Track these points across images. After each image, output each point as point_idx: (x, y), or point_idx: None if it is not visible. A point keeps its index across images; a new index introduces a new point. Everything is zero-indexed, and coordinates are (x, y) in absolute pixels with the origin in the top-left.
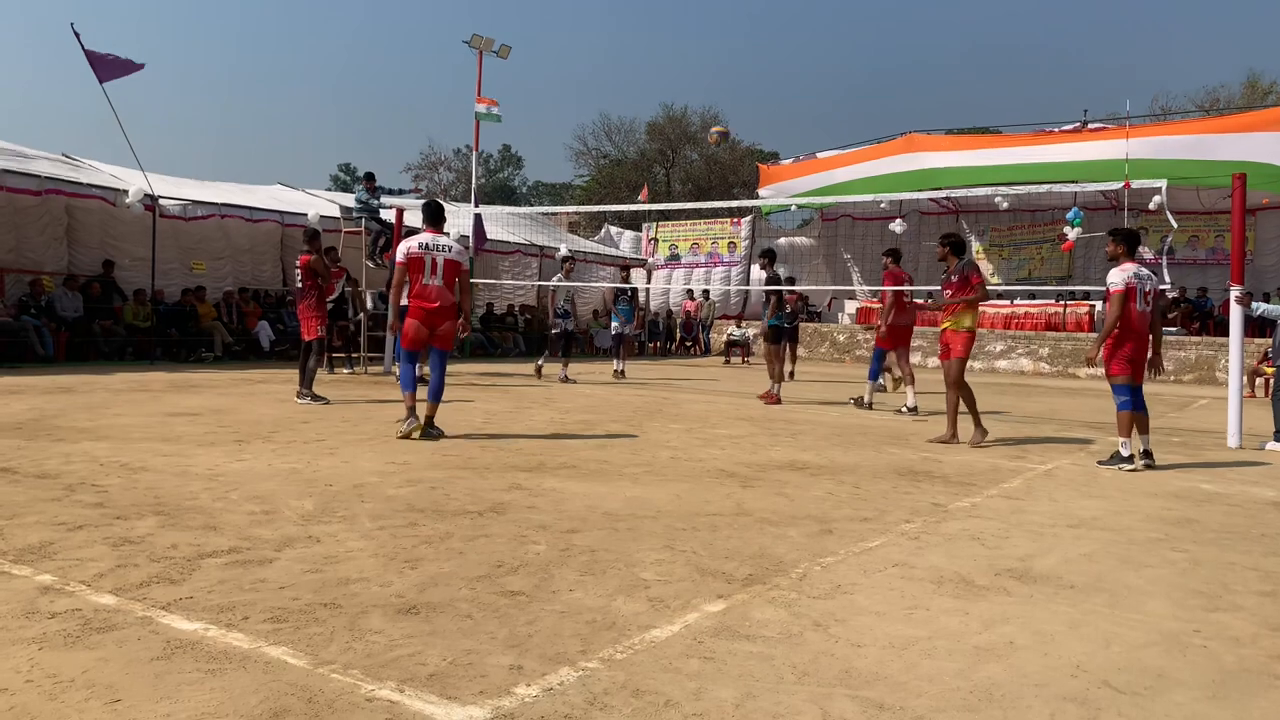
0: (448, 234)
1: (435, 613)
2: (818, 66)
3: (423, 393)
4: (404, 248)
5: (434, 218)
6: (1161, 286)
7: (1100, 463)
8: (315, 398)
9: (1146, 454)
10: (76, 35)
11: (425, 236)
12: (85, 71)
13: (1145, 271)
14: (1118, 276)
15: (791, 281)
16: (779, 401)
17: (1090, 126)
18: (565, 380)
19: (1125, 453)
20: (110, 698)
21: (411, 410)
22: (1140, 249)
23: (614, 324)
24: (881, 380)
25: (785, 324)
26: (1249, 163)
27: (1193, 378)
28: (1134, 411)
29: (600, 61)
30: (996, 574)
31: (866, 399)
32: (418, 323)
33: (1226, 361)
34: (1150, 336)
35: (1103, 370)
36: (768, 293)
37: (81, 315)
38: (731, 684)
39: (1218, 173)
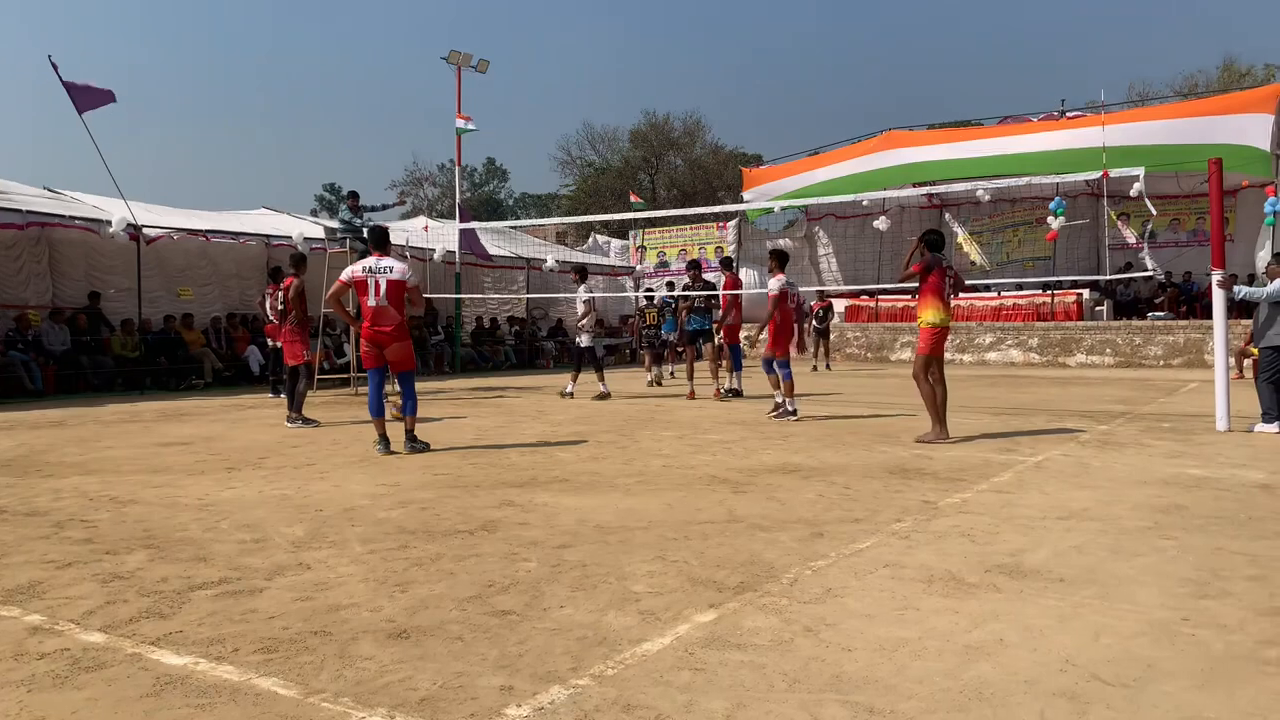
0: (404, 256)
1: (426, 636)
2: (797, 69)
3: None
4: (349, 270)
5: (379, 242)
6: (1147, 273)
7: (770, 414)
8: (306, 421)
9: (793, 410)
10: (54, 67)
11: (369, 260)
12: (64, 104)
13: (793, 281)
14: (775, 284)
15: (711, 286)
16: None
17: (1068, 115)
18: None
19: (791, 407)
20: None
21: (383, 435)
22: (1124, 232)
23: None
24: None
25: (706, 325)
26: (1226, 145)
27: (1181, 361)
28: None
29: (581, 71)
30: (986, 570)
31: (737, 386)
32: (367, 342)
33: (1214, 344)
34: (796, 326)
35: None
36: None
37: (69, 348)
38: (722, 694)
39: (1195, 157)
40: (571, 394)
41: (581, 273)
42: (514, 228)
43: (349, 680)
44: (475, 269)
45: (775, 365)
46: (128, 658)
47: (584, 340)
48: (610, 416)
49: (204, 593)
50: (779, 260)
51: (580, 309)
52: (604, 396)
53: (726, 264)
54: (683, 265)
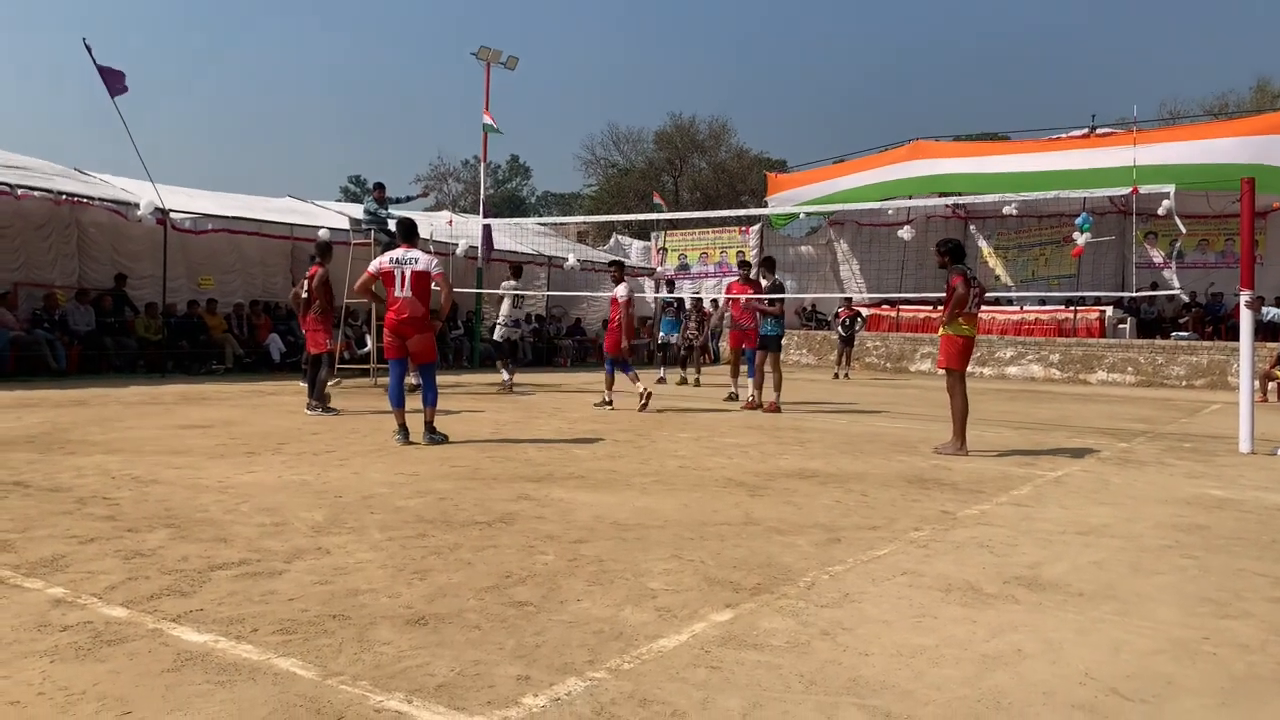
0: (428, 249)
1: (443, 623)
2: (825, 74)
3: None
4: (376, 262)
5: (407, 234)
6: (1172, 291)
7: (595, 404)
8: (326, 409)
9: (610, 402)
10: (89, 49)
11: (397, 252)
12: (94, 86)
13: (637, 281)
14: (623, 290)
15: (780, 289)
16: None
17: (1099, 132)
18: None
19: (609, 398)
20: (121, 710)
21: (403, 425)
22: (1151, 251)
23: (660, 334)
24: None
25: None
26: (1258, 165)
27: (1204, 383)
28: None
29: (608, 71)
30: (1005, 582)
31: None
32: (390, 332)
33: (1238, 366)
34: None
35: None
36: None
37: (94, 328)
38: (738, 693)
39: (1226, 177)
40: (510, 386)
41: (517, 270)
42: (542, 224)
43: (367, 664)
44: (498, 265)
45: (614, 364)
46: (149, 633)
47: (497, 333)
48: (627, 416)
49: (224, 573)
50: (620, 269)
51: (505, 302)
52: (509, 386)
53: (619, 266)
54: (705, 269)
